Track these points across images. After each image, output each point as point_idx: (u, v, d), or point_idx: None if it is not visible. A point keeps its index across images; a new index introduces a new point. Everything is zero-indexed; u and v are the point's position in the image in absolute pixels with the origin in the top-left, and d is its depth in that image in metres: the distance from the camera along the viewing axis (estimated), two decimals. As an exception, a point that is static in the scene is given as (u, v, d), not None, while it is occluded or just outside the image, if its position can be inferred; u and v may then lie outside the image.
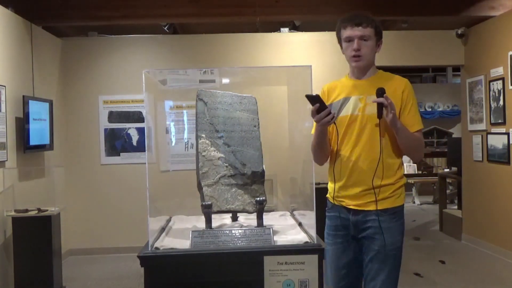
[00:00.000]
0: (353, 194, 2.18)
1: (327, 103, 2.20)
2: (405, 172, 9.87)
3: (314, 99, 2.07)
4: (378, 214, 2.14)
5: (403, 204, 2.24)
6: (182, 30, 6.36)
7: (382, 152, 2.12)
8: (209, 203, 2.81)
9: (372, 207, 2.16)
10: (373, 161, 2.13)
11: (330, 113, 2.08)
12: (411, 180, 9.36)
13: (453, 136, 11.18)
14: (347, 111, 2.20)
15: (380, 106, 2.06)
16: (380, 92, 2.06)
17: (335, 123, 2.16)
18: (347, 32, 2.22)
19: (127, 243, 5.47)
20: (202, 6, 4.96)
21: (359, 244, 2.21)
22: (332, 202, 2.28)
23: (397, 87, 2.20)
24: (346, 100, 2.22)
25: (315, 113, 2.07)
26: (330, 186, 2.29)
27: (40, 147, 4.88)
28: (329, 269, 2.29)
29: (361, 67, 2.22)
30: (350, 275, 2.25)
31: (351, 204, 2.20)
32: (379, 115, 2.07)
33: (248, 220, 3.08)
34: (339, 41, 2.29)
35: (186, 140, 4.99)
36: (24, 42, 4.75)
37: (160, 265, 2.45)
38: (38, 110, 4.77)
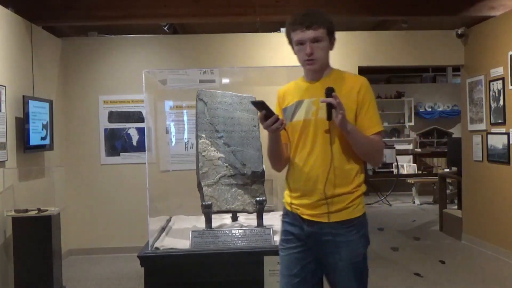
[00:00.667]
0: (307, 203, 2.03)
1: (283, 107, 2.11)
2: (405, 172, 9.89)
3: (259, 106, 1.93)
4: (332, 227, 2.00)
5: (364, 214, 2.10)
6: (182, 30, 6.35)
7: (333, 158, 1.99)
8: (209, 203, 2.81)
9: (326, 219, 2.01)
10: (327, 168, 2.00)
11: (278, 119, 1.94)
12: (411, 180, 9.37)
13: (453, 136, 11.18)
14: (300, 115, 2.06)
15: (330, 107, 1.92)
16: (329, 92, 1.93)
17: (285, 129, 2.04)
18: (298, 35, 2.05)
19: (127, 243, 5.47)
20: (202, 6, 4.96)
21: (317, 254, 2.07)
22: (288, 208, 2.13)
23: (353, 86, 2.06)
24: (299, 104, 2.08)
25: (263, 120, 1.94)
26: (286, 193, 2.15)
27: (40, 147, 4.88)
28: (281, 277, 2.12)
29: (316, 70, 2.08)
30: (304, 284, 2.09)
31: (305, 213, 2.05)
32: (329, 117, 1.93)
33: (248, 220, 3.08)
34: (290, 42, 2.13)
35: (186, 140, 4.99)
36: (24, 42, 4.75)
37: (160, 265, 2.45)
38: (38, 110, 4.77)
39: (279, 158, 2.13)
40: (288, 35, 2.12)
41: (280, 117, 1.99)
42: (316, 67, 2.06)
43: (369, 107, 2.05)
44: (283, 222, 2.15)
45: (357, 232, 2.07)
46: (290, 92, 2.16)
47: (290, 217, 2.11)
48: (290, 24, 2.09)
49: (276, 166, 2.18)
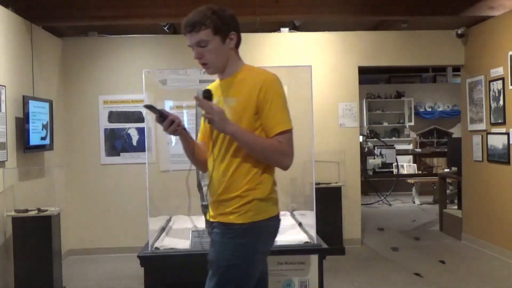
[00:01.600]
0: (210, 204, 2.03)
1: None
2: (405, 172, 9.89)
3: (151, 109, 1.87)
4: (216, 227, 1.96)
5: (253, 223, 1.91)
6: (182, 30, 6.35)
7: (223, 160, 1.94)
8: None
9: (217, 219, 1.98)
10: (223, 170, 1.94)
11: (173, 121, 1.88)
12: (411, 180, 9.36)
13: (453, 136, 11.18)
14: None
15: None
16: (205, 95, 1.88)
17: (185, 130, 1.97)
18: (187, 40, 1.96)
19: (127, 243, 5.47)
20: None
21: None
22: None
23: (255, 85, 1.93)
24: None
25: (160, 123, 1.88)
26: None
27: (40, 147, 4.88)
28: None
29: (212, 73, 2.01)
30: None
31: (208, 215, 2.06)
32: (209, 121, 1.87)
33: (248, 220, 3.07)
34: None
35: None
36: (24, 42, 4.75)
37: (160, 265, 2.45)
38: (38, 110, 4.77)
39: (193, 158, 2.07)
40: None
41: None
42: (210, 71, 1.99)
43: (271, 106, 1.91)
44: None
45: (233, 238, 1.90)
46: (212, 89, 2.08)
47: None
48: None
49: (197, 166, 2.13)
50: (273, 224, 1.98)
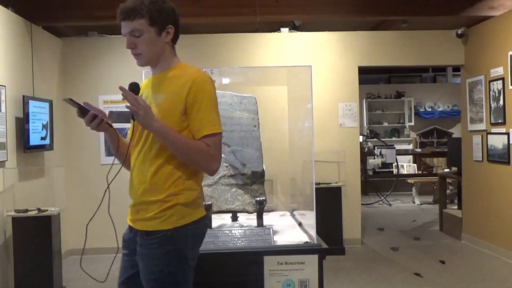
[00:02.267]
0: (130, 206, 1.95)
1: None
2: (405, 172, 9.89)
3: (71, 103, 1.78)
4: (139, 236, 1.86)
5: (178, 228, 1.81)
6: (182, 30, 6.35)
7: (145, 160, 1.85)
8: (209, 203, 2.81)
9: (138, 225, 1.88)
10: (145, 171, 1.85)
11: (95, 116, 1.80)
12: (411, 180, 9.36)
13: (453, 136, 11.19)
14: None
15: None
16: (132, 88, 1.77)
17: (110, 125, 1.89)
18: (122, 29, 1.86)
19: (127, 243, 5.47)
20: (202, 6, 4.95)
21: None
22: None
23: (185, 83, 1.81)
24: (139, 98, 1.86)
25: (81, 117, 1.80)
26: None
27: (40, 147, 4.88)
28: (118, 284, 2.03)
29: (143, 65, 1.88)
30: None
31: (128, 217, 1.97)
32: (132, 115, 1.75)
33: (248, 220, 3.08)
34: None
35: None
36: (24, 42, 4.75)
37: (160, 265, 2.45)
38: (38, 110, 4.77)
39: (117, 155, 1.99)
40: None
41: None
42: (142, 62, 1.87)
43: (200, 108, 1.79)
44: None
45: (159, 247, 1.79)
46: (144, 84, 2.00)
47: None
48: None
49: (123, 165, 2.01)
50: (200, 226, 1.87)
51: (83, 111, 1.81)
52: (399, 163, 9.80)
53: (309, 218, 2.78)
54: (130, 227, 1.96)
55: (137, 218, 1.89)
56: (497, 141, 5.22)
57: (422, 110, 11.78)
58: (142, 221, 1.86)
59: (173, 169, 1.82)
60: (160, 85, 1.88)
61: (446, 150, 9.07)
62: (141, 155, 1.88)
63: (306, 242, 2.56)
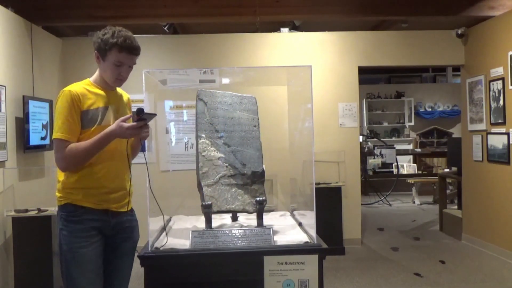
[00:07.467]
0: (115, 197, 2.37)
1: (82, 110, 2.24)
2: (405, 172, 9.90)
3: (149, 117, 2.27)
4: (129, 214, 2.47)
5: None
6: (182, 30, 6.35)
7: (129, 158, 2.47)
8: (209, 203, 2.81)
9: (125, 209, 2.44)
10: (126, 167, 2.47)
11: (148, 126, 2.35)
12: (411, 180, 9.37)
13: (453, 136, 11.19)
14: (108, 120, 2.32)
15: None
16: (139, 112, 2.23)
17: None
18: (121, 57, 2.31)
19: (127, 243, 5.47)
20: (202, 6, 4.96)
21: (112, 244, 2.38)
22: (88, 206, 2.27)
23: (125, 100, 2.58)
24: (105, 109, 2.32)
25: (139, 129, 2.26)
26: (78, 191, 2.26)
27: (40, 147, 4.88)
28: (86, 272, 2.25)
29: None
30: (103, 273, 2.33)
31: (112, 207, 2.35)
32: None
33: (248, 220, 3.07)
34: (103, 52, 2.29)
35: (186, 140, 4.99)
36: (24, 42, 4.75)
37: (160, 265, 2.45)
38: (38, 110, 4.77)
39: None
40: (106, 48, 2.26)
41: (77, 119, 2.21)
42: (121, 84, 2.44)
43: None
44: (79, 220, 2.24)
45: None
46: (88, 96, 2.28)
47: (89, 213, 2.26)
48: (118, 44, 2.28)
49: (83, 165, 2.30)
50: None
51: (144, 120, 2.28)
52: (399, 163, 9.80)
53: (309, 218, 2.78)
54: (114, 212, 2.40)
55: (125, 203, 2.48)
56: (497, 141, 5.23)
57: (422, 110, 11.78)
58: (129, 203, 2.55)
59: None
60: (119, 100, 2.48)
61: (446, 150, 9.08)
62: (122, 155, 2.49)
63: (306, 242, 2.55)
